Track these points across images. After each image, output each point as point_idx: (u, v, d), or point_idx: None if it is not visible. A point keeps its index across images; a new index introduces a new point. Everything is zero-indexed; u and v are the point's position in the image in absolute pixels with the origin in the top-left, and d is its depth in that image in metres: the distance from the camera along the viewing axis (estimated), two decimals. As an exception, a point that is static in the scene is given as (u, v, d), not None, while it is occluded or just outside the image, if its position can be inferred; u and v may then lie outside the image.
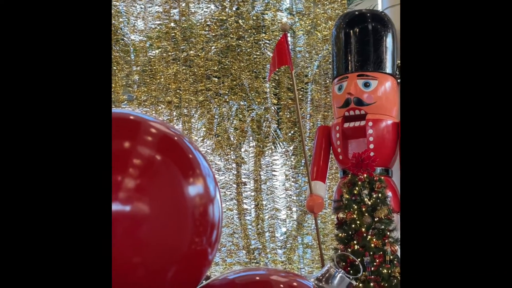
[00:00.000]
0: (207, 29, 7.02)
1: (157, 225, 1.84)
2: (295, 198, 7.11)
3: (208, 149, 7.05)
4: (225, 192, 7.02)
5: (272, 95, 7.07)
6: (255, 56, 6.98)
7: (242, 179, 7.10)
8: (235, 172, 7.12)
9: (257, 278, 2.18)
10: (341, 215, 4.87)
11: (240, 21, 7.02)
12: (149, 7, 7.08)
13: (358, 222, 4.68)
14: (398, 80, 5.46)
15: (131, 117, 2.05)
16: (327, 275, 2.18)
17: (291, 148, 7.18)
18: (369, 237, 4.64)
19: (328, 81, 7.05)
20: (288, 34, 5.75)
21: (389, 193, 4.96)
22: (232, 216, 7.05)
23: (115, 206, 1.80)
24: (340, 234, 4.80)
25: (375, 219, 4.67)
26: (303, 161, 6.79)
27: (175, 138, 2.04)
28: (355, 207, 4.71)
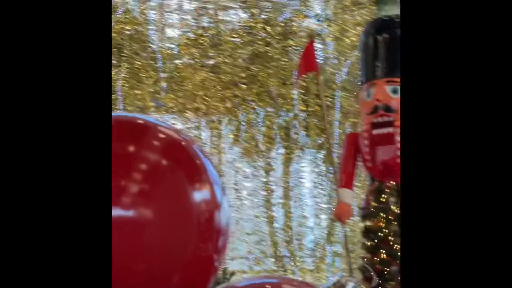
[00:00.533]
0: (235, 35, 7.04)
1: (162, 231, 1.82)
2: (323, 206, 7.05)
3: (236, 156, 7.06)
4: (252, 200, 7.01)
5: (300, 101, 7.04)
6: (282, 63, 6.97)
7: (270, 186, 7.09)
8: (263, 179, 7.11)
9: (267, 286, 2.15)
10: (368, 223, 4.80)
11: (268, 27, 7.02)
12: (178, 14, 7.13)
13: (385, 230, 4.60)
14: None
15: (139, 121, 2.04)
16: (338, 285, 2.13)
17: (320, 155, 7.13)
18: (396, 245, 4.55)
19: (357, 88, 6.98)
20: (316, 40, 5.71)
21: (418, 201, 4.87)
22: (259, 224, 7.02)
23: (119, 212, 1.78)
24: (366, 243, 4.73)
25: (403, 228, 4.58)
26: (331, 168, 6.73)
27: (183, 143, 2.02)
28: (382, 215, 4.63)
